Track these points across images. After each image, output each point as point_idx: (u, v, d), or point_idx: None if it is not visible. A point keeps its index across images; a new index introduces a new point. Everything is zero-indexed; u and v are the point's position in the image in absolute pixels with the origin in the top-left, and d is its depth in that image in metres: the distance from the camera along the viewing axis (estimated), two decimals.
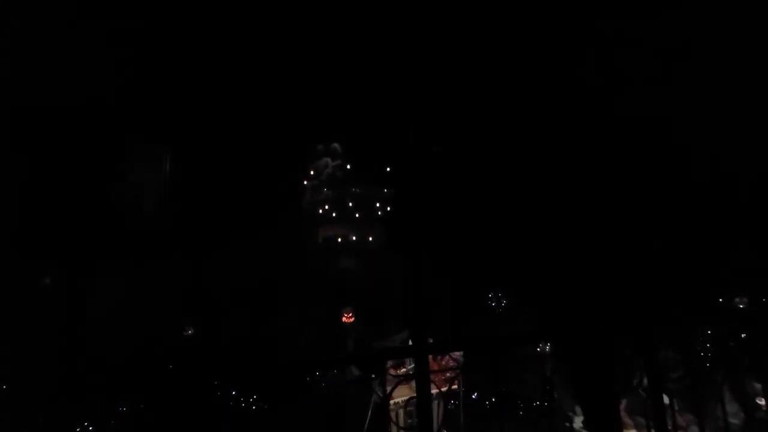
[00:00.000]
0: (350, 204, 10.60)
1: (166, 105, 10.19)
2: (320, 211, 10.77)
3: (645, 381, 3.89)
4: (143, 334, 8.58)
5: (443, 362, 3.48)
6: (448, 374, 3.37)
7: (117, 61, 9.50)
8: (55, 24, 9.26)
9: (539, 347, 6.51)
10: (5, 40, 8.86)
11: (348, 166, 11.01)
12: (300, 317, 8.74)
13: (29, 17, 9.09)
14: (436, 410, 3.56)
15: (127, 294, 9.26)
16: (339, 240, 10.39)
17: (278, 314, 8.92)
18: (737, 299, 6.46)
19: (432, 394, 3.67)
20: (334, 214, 10.63)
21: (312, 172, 11.10)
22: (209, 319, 9.22)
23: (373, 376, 4.17)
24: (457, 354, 3.48)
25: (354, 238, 10.35)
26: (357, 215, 10.54)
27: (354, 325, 8.66)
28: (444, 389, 2.64)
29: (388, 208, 10.65)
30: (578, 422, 6.22)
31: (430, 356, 3.40)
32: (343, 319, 8.79)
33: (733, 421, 3.49)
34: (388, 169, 10.70)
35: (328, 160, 11.30)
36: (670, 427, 4.72)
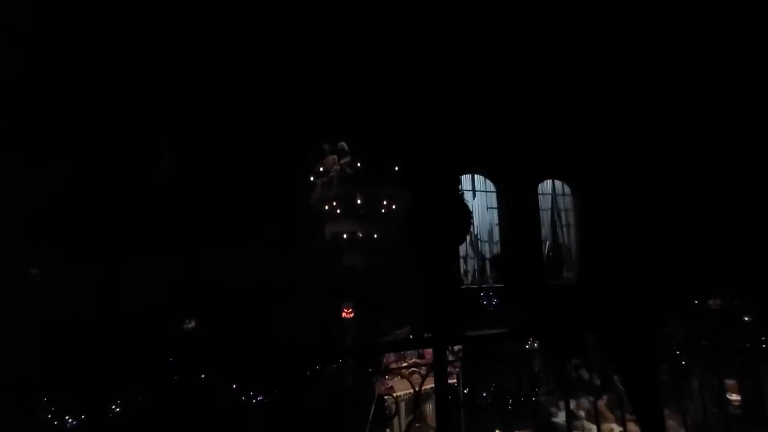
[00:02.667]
0: (358, 201, 10.64)
1: (172, 99, 10.18)
2: (326, 207, 10.78)
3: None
4: (144, 326, 8.62)
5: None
6: (447, 368, 3.48)
7: (128, 52, 9.48)
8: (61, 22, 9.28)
9: (528, 344, 6.72)
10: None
11: (358, 164, 11.04)
12: (300, 312, 8.81)
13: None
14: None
15: (130, 286, 9.29)
16: (345, 236, 10.42)
17: (278, 309, 8.97)
18: (711, 301, 6.73)
19: (429, 388, 3.82)
20: (341, 211, 10.66)
21: (321, 169, 11.10)
22: (210, 312, 9.26)
23: (371, 370, 4.30)
24: (456, 348, 3.60)
25: (360, 235, 10.40)
26: (364, 213, 10.58)
27: (353, 321, 8.75)
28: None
29: (393, 206, 10.74)
30: (561, 417, 6.45)
31: (429, 351, 3.50)
32: (343, 314, 8.88)
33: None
34: (396, 168, 10.81)
35: (335, 157, 11.31)
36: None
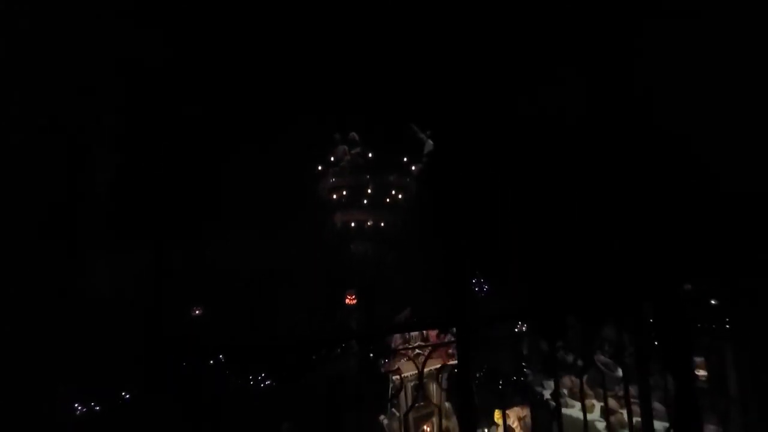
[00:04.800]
0: (368, 191, 10.81)
1: (185, 89, 10.15)
2: (335, 196, 10.95)
3: (604, 357, 4.45)
4: (153, 314, 8.76)
5: (445, 338, 3.84)
6: (449, 350, 3.73)
7: (153, 40, 9.43)
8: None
9: (516, 328, 7.05)
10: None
11: (370, 155, 11.20)
12: (306, 299, 9.04)
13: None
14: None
15: (139, 273, 9.39)
16: (353, 225, 10.60)
17: (285, 296, 9.18)
18: (685, 286, 7.09)
19: (433, 368, 4.11)
20: (350, 200, 10.84)
21: (332, 159, 11.22)
22: (218, 300, 9.42)
23: (378, 352, 4.56)
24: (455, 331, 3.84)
25: (369, 224, 10.59)
26: (373, 202, 10.76)
27: (357, 307, 9.02)
28: (448, 363, 3.01)
29: (400, 196, 10.96)
30: (547, 394, 6.83)
31: (434, 332, 3.75)
32: (347, 300, 9.14)
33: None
34: (405, 159, 11.03)
35: (345, 147, 11.43)
36: (622, 395, 5.29)
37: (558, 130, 11.40)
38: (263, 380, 6.39)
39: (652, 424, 3.20)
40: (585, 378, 5.57)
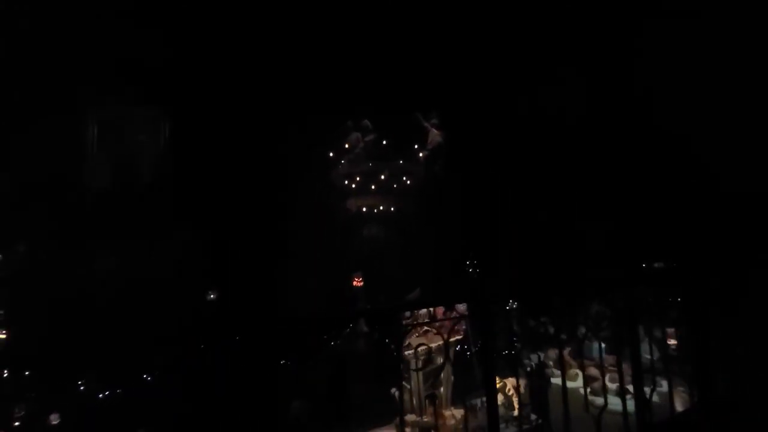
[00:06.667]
0: (381, 177, 11.09)
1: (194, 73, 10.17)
2: (347, 182, 11.20)
3: (583, 330, 4.89)
4: (168, 299, 9.00)
5: (451, 315, 4.18)
6: (456, 326, 4.07)
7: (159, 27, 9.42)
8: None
9: (507, 306, 7.47)
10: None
11: (384, 142, 11.44)
12: (315, 282, 9.34)
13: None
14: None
15: (151, 259, 9.59)
16: (365, 210, 10.89)
17: (296, 280, 9.47)
18: (656, 264, 7.59)
19: (442, 343, 4.47)
20: (364, 186, 11.07)
21: (347, 146, 11.41)
22: (232, 284, 9.67)
23: (386, 331, 4.86)
24: (462, 307, 4.22)
25: (380, 208, 10.86)
26: (385, 187, 11.05)
27: (364, 289, 9.35)
28: (451, 339, 3.32)
29: (410, 181, 11.21)
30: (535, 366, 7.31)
31: (440, 309, 4.10)
32: (354, 282, 9.48)
33: (650, 357, 4.48)
34: (416, 146, 11.28)
35: (359, 135, 11.63)
36: (602, 365, 5.77)
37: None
38: (276, 360, 6.66)
39: (643, 390, 3.72)
40: (569, 350, 6.07)
